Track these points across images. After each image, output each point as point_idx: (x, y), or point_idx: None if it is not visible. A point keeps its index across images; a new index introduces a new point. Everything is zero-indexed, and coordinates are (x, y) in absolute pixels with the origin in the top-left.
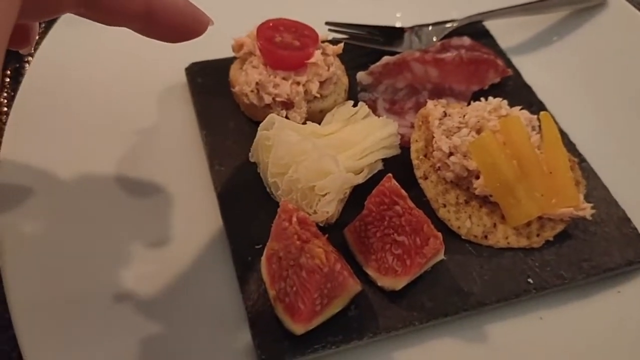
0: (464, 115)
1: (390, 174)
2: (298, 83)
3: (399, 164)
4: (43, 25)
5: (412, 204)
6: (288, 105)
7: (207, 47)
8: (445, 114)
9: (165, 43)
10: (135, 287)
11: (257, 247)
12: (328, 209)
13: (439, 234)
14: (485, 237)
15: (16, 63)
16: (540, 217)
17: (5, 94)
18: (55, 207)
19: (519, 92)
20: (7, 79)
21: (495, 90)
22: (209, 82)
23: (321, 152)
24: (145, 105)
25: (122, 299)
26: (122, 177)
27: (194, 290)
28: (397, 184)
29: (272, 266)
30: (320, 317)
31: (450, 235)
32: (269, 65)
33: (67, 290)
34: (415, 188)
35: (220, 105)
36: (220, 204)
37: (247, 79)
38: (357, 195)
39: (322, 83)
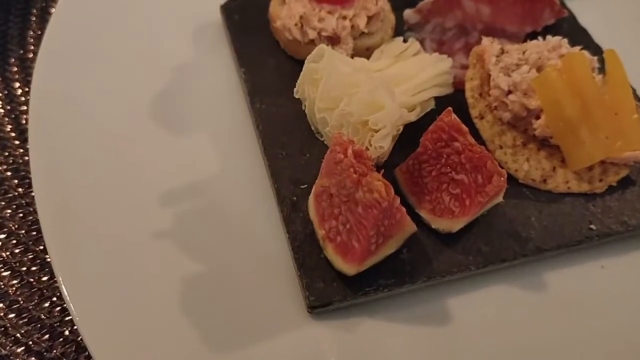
0: (524, 52)
1: (450, 108)
2: (345, 17)
3: (451, 105)
4: None
5: (472, 140)
6: (334, 40)
7: None
8: (502, 51)
9: None
10: (176, 227)
11: (302, 187)
12: (382, 143)
13: (503, 171)
14: (544, 181)
15: (42, 2)
16: (602, 162)
17: (31, 33)
18: (92, 147)
19: (574, 35)
20: (33, 18)
21: (549, 33)
22: (246, 19)
23: (376, 84)
24: (180, 44)
25: (163, 238)
26: (159, 117)
27: (237, 233)
28: (457, 118)
29: (321, 204)
30: (374, 258)
31: (507, 179)
32: None
33: (107, 229)
34: (469, 130)
35: (258, 43)
36: (263, 142)
37: (290, 13)
38: (408, 135)
39: (369, 18)
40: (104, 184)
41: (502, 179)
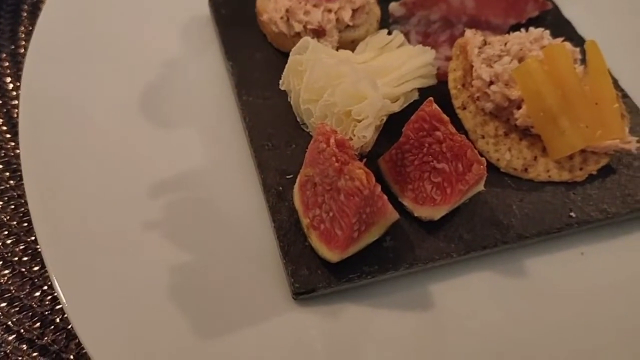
0: (505, 44)
1: (431, 98)
2: (330, 10)
3: (434, 96)
4: None
5: (453, 129)
6: (319, 33)
7: None
8: (485, 42)
9: None
10: (163, 218)
11: (288, 177)
12: (365, 133)
13: (483, 160)
14: (526, 170)
15: None
16: (583, 150)
17: (22, 28)
18: (82, 139)
19: (558, 27)
20: (25, 13)
21: (533, 25)
22: (233, 13)
23: (359, 75)
24: (169, 38)
25: (151, 228)
26: (147, 110)
27: (224, 222)
28: (438, 108)
29: (305, 193)
30: (357, 245)
31: (488, 168)
32: None
33: (96, 221)
34: (452, 120)
35: (246, 37)
36: (250, 134)
37: (276, 6)
38: (391, 125)
39: (354, 11)
40: (93, 176)
41: (482, 167)
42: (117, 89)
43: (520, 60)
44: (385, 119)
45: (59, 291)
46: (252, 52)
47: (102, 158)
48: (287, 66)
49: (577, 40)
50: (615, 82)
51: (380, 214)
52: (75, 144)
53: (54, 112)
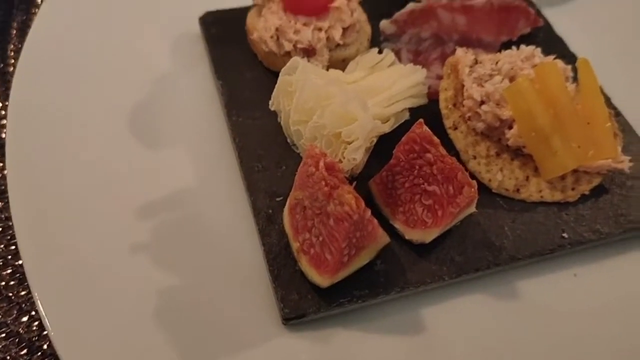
0: (497, 63)
1: (421, 120)
2: (320, 29)
3: (425, 116)
4: None
5: (444, 151)
6: (309, 52)
7: None
8: (476, 61)
9: None
10: (152, 240)
11: (278, 199)
12: (355, 156)
13: (474, 182)
14: (518, 190)
15: (23, 15)
16: (575, 170)
17: (12, 47)
18: (70, 160)
19: (550, 44)
20: (13, 31)
21: (525, 42)
22: (224, 32)
23: (348, 96)
24: (158, 56)
25: (140, 251)
26: (136, 129)
27: (213, 245)
28: (428, 130)
29: (295, 217)
30: (347, 270)
31: (480, 188)
32: (289, 10)
33: (84, 244)
34: (443, 140)
35: (236, 56)
36: (239, 155)
37: (266, 25)
38: (382, 146)
39: (345, 30)
40: (81, 198)
41: (473, 189)
42: (105, 108)
43: (512, 79)
44: (375, 140)
45: (44, 316)
46: (242, 71)
47: (90, 180)
48: (276, 87)
49: (569, 57)
50: (607, 100)
51: (370, 237)
52: (63, 165)
53: (42, 131)
